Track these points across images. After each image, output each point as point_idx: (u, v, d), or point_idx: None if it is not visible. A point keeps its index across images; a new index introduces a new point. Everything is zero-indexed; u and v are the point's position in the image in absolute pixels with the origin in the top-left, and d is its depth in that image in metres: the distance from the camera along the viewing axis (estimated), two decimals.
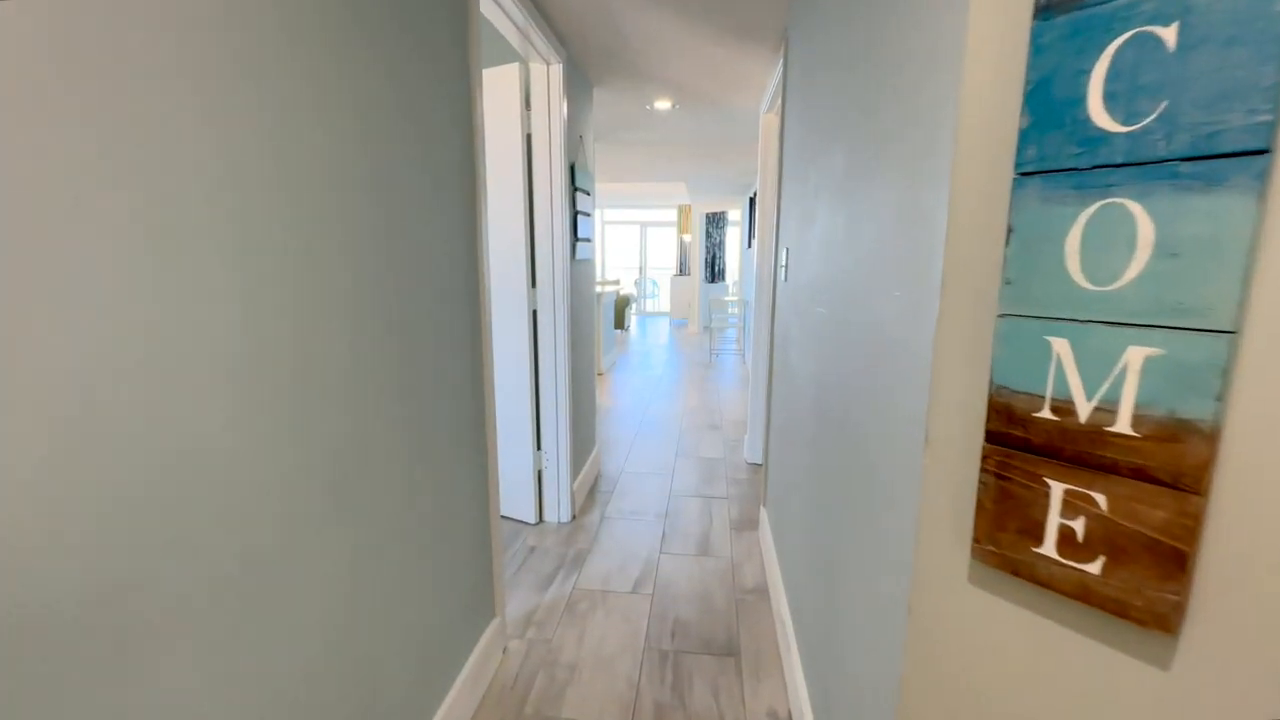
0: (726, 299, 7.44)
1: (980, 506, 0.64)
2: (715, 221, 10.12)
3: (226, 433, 0.75)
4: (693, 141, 4.41)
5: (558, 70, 2.32)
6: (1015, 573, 0.62)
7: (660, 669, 1.72)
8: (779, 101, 2.66)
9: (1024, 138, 0.57)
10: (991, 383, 0.62)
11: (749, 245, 7.06)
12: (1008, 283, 0.59)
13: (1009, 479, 0.61)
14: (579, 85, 2.68)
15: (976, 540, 0.65)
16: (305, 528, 0.91)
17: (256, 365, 0.80)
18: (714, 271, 10.27)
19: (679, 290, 10.67)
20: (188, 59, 0.68)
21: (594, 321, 3.38)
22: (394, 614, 1.18)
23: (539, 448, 2.60)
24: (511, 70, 2.26)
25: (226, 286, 0.75)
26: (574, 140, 2.59)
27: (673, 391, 5.23)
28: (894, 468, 0.83)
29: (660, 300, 12.57)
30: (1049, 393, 0.58)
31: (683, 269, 10.71)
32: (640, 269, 12.43)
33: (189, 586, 0.71)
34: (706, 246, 10.15)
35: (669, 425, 4.16)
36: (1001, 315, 0.60)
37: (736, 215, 10.75)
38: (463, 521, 1.51)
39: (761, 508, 2.54)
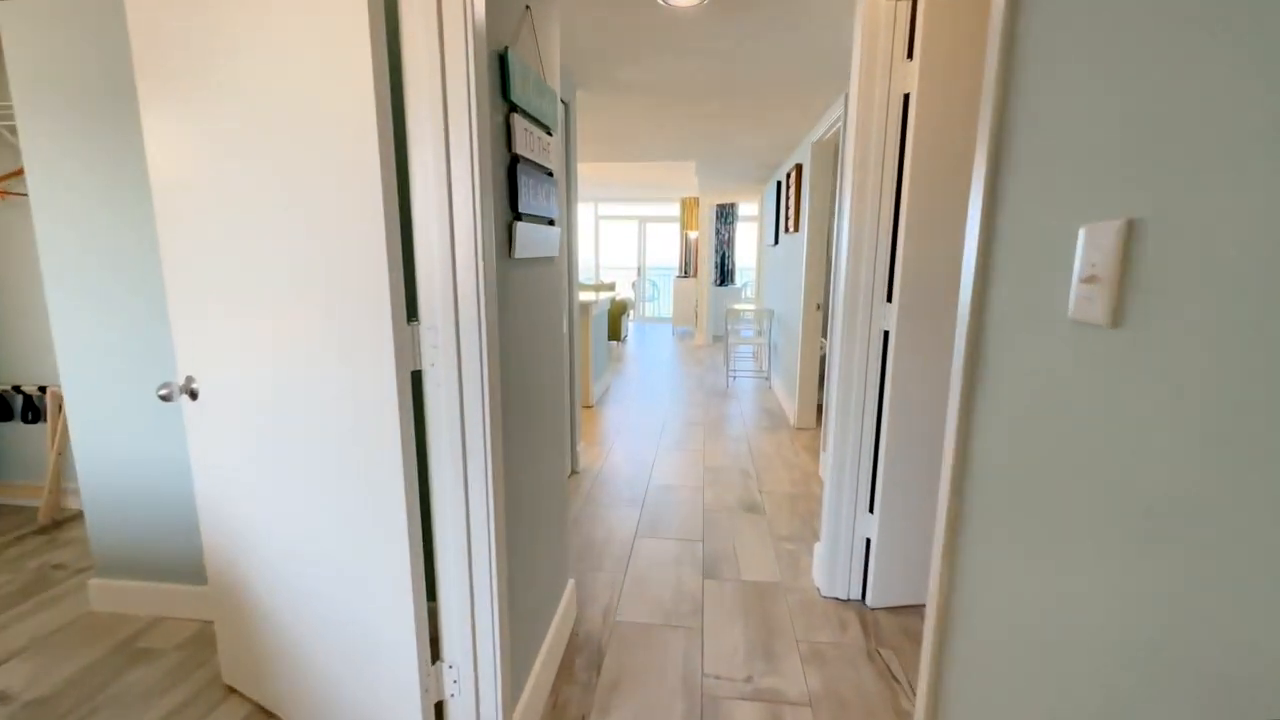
0: (742, 308, 6.07)
1: None
2: (725, 215, 8.75)
3: None
4: (723, 80, 3.04)
5: None
6: None
7: None
8: None
9: None
10: None
11: (775, 241, 5.70)
12: None
13: None
14: None
15: None
16: None
17: None
18: (723, 273, 8.89)
19: (682, 293, 9.28)
20: None
21: (567, 358, 2.06)
22: None
23: (436, 658, 1.25)
24: None
25: None
26: (503, 5, 1.24)
27: (685, 437, 3.87)
28: None
29: (660, 304, 11.18)
30: None
31: (686, 270, 9.33)
32: (639, 270, 11.04)
33: None
34: (715, 245, 8.77)
35: (686, 505, 2.81)
36: None
37: (751, 210, 9.43)
38: None
39: None
